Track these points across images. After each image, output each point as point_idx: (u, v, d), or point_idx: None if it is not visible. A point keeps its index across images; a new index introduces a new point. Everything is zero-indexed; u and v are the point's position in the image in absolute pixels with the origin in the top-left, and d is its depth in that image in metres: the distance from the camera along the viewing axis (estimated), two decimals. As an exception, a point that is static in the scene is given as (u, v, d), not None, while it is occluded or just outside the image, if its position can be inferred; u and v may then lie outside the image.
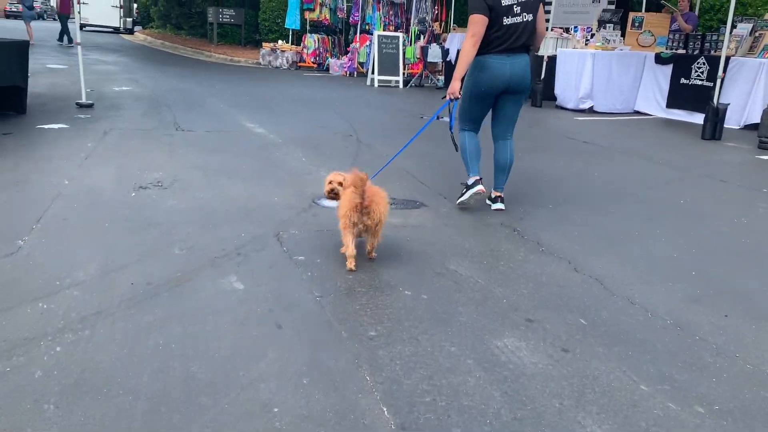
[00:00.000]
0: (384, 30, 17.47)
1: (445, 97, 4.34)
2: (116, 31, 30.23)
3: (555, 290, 3.14)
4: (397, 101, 11.24)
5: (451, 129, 4.45)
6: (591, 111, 10.60)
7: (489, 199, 4.59)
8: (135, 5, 33.15)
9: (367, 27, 17.54)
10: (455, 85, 4.16)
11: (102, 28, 30.14)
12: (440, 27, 15.56)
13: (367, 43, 16.84)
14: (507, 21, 4.07)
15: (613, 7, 13.38)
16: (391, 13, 18.09)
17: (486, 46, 4.13)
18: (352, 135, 7.31)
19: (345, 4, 17.73)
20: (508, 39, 4.11)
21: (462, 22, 17.68)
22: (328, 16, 17.98)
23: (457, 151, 4.57)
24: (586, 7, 15.38)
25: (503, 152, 4.62)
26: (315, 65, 17.97)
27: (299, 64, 17.91)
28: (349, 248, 3.18)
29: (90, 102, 8.05)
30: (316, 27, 18.71)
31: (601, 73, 10.58)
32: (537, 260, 3.55)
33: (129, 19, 31.25)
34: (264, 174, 5.18)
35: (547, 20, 16.38)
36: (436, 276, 3.24)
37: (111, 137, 6.23)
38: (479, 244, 3.79)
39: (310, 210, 4.28)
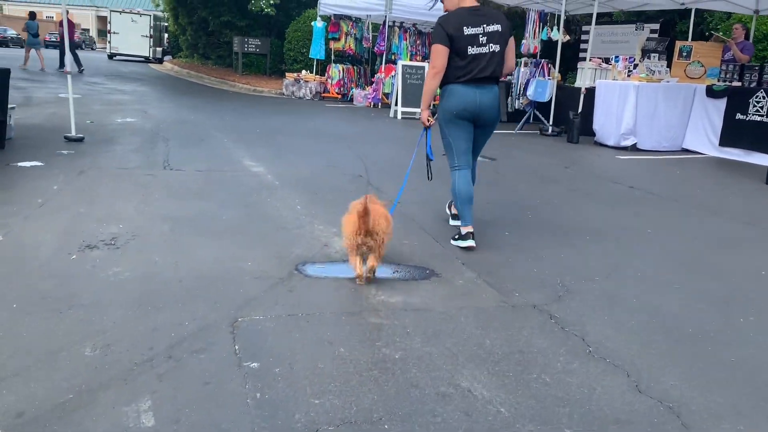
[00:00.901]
0: (410, 60, 16.76)
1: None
2: (146, 60, 30.25)
3: (613, 429, 2.15)
4: (414, 132, 10.37)
5: (430, 157, 4.45)
6: (634, 149, 9.56)
7: (458, 237, 4.24)
8: (166, 35, 33.30)
9: (393, 57, 16.84)
10: (424, 115, 4.22)
11: (132, 58, 30.22)
12: (469, 57, 14.72)
13: (393, 73, 16.10)
14: (472, 51, 3.97)
15: (656, 35, 12.40)
16: (418, 42, 17.40)
17: (452, 76, 4.04)
18: (362, 176, 6.43)
19: (371, 34, 17.08)
20: (473, 69, 4.00)
21: (493, 52, 16.87)
22: (353, 46, 17.34)
23: (430, 179, 4.61)
24: (626, 36, 14.44)
25: (467, 184, 4.39)
26: (339, 96, 17.30)
27: (323, 95, 17.26)
28: (358, 268, 3.39)
29: (80, 136, 7.35)
30: (341, 57, 18.10)
31: (646, 106, 9.56)
32: (584, 370, 2.57)
33: (159, 49, 31.32)
34: (244, 228, 4.31)
35: (584, 50, 15.48)
36: (439, 400, 2.28)
37: (84, 178, 5.46)
38: (504, 340, 2.82)
39: (288, 281, 3.37)
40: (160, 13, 31.71)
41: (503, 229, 4.74)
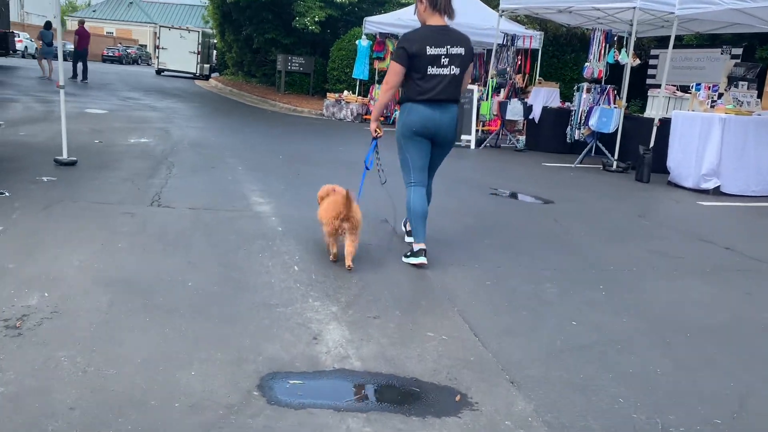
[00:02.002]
0: (459, 82, 15.60)
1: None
2: (193, 76, 30.01)
3: None
4: (465, 167, 9.15)
5: (366, 166, 4.44)
6: (717, 192, 8.11)
7: (410, 254, 4.18)
8: (214, 52, 33.13)
9: (440, 78, 15.72)
10: (372, 126, 4.28)
11: (179, 74, 30.03)
12: (523, 80, 13.47)
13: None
14: (432, 71, 3.94)
15: (739, 61, 10.88)
16: (468, 64, 16.23)
17: (412, 93, 4.02)
18: (387, 221, 5.26)
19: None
20: (432, 89, 3.97)
21: (549, 76, 15.56)
22: (398, 66, 16.27)
23: (382, 183, 4.69)
24: (701, 62, 12.93)
25: (422, 202, 4.31)
26: (382, 118, 16.22)
27: (364, 116, 16.25)
28: (334, 249, 3.96)
29: (72, 159, 6.43)
30: (386, 77, 17.06)
31: (733, 143, 8.12)
32: None
33: (206, 65, 31.08)
34: (209, 302, 3.17)
35: (652, 76, 13.98)
36: None
37: (44, 216, 4.45)
38: None
39: (237, 415, 2.19)
40: (209, 30, 31.57)
41: (570, 312, 3.47)
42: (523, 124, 12.74)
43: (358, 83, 17.33)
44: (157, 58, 30.36)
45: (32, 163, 6.33)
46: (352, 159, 8.64)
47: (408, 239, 4.56)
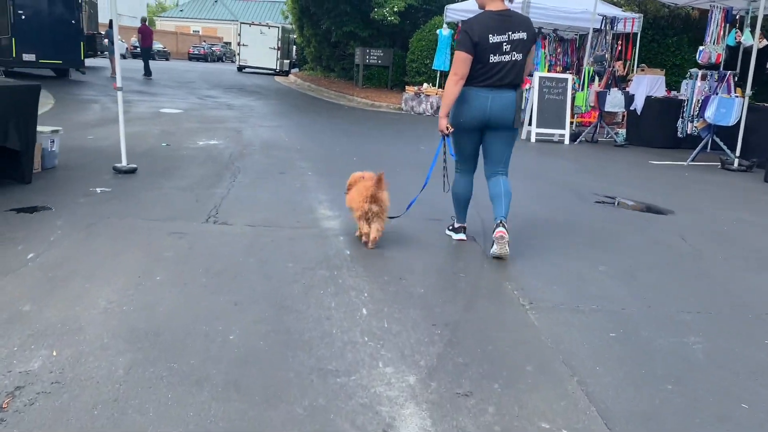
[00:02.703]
0: (549, 71, 14.42)
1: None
2: (274, 73, 30.03)
3: None
4: (560, 167, 8.13)
5: (453, 157, 4.23)
6: None
7: (452, 229, 4.46)
8: (294, 47, 33.08)
9: (527, 68, 14.59)
10: (441, 123, 4.04)
11: (260, 70, 30.14)
12: (624, 67, 12.15)
13: (528, 86, 13.88)
14: (493, 59, 3.85)
15: None
16: (559, 50, 15.01)
17: (471, 80, 3.91)
18: (476, 238, 4.43)
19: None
20: (492, 76, 3.89)
21: (647, 62, 14.07)
22: (482, 56, 15.26)
23: (444, 191, 4.36)
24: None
25: (496, 185, 4.18)
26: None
27: (445, 111, 15.36)
28: (365, 228, 4.01)
29: (132, 167, 5.98)
30: (468, 68, 16.09)
31: None
32: None
33: (286, 61, 31.05)
34: (251, 369, 2.46)
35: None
36: None
37: (84, 238, 3.93)
38: None
39: None
40: (288, 26, 31.50)
41: (731, 383, 2.53)
42: (623, 116, 11.47)
43: (438, 75, 16.45)
44: (238, 55, 30.59)
45: (91, 170, 5.92)
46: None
47: (457, 237, 4.49)
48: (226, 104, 14.05)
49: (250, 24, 30.90)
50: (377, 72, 20.79)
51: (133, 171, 5.97)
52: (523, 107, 13.89)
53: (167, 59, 45.43)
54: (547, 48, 14.73)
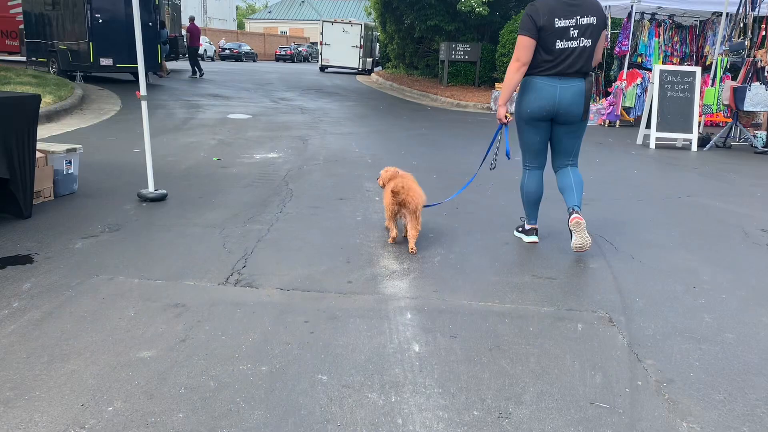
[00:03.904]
0: (664, 63, 12.43)
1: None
2: (356, 72, 29.06)
3: None
4: (696, 184, 6.40)
5: (507, 156, 4.01)
6: None
7: (522, 230, 4.20)
8: (377, 45, 31.99)
9: (639, 59, 12.65)
10: (501, 111, 3.89)
11: (342, 69, 29.26)
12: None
13: (638, 81, 11.98)
14: (560, 45, 3.62)
15: None
16: (675, 39, 12.95)
17: (535, 68, 3.70)
18: (612, 320, 2.95)
19: (609, 31, 13.02)
20: (560, 64, 3.64)
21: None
22: (583, 47, 13.43)
23: (492, 169, 4.24)
24: None
25: (565, 176, 3.93)
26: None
27: (540, 110, 13.67)
28: (394, 230, 3.97)
29: (161, 193, 4.90)
30: (567, 61, 14.30)
31: None
32: None
33: (369, 60, 30.01)
34: None
35: None
36: None
37: (56, 307, 2.80)
38: None
39: None
40: (371, 23, 30.43)
41: None
42: (765, 117, 9.43)
43: (532, 70, 14.73)
44: (320, 54, 29.82)
45: (114, 198, 4.89)
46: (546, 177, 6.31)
47: (518, 235, 4.30)
48: (300, 108, 13.03)
49: (332, 22, 30.03)
50: (463, 68, 19.26)
51: (161, 198, 4.89)
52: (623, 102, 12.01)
53: (254, 60, 45.72)
54: (661, 37, 12.74)
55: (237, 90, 16.42)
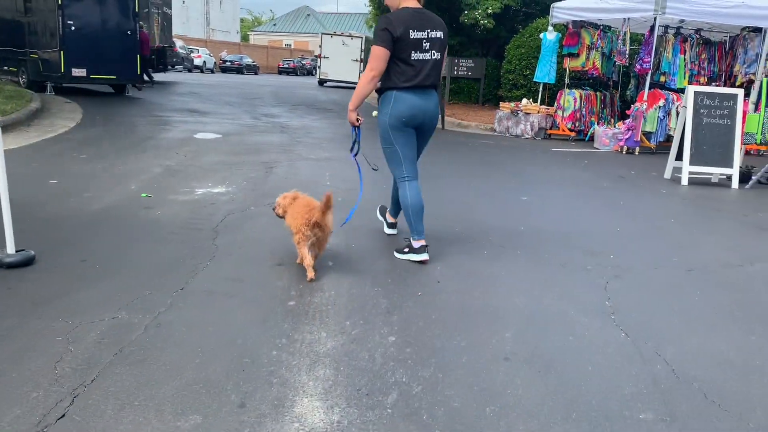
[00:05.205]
0: (690, 83, 11.03)
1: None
2: (355, 87, 27.79)
3: None
4: (750, 238, 4.96)
5: (354, 156, 4.16)
6: None
7: (409, 251, 4.01)
8: (379, 59, 30.73)
9: (662, 78, 11.25)
10: (352, 116, 3.98)
11: (341, 83, 28.01)
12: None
13: (660, 103, 10.58)
14: (416, 56, 3.74)
15: None
16: (703, 57, 11.55)
17: (396, 81, 3.77)
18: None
19: (628, 46, 11.64)
20: (418, 75, 3.76)
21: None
22: (599, 64, 12.07)
23: (352, 153, 4.21)
24: None
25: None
26: (573, 132, 12.20)
27: (549, 131, 12.31)
28: (307, 258, 3.54)
29: (22, 257, 3.52)
30: (580, 80, 12.95)
31: None
32: None
33: (369, 74, 28.72)
34: None
35: None
36: None
37: None
38: None
39: None
40: (372, 36, 29.22)
41: None
42: (817, 147, 8.00)
43: (541, 88, 13.38)
44: (319, 68, 28.56)
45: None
46: (547, 222, 4.87)
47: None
48: (281, 126, 11.68)
49: (331, 35, 28.83)
50: (466, 86, 17.94)
51: (24, 264, 3.49)
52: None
53: (256, 73, 44.63)
54: (687, 54, 11.34)
55: (219, 105, 15.11)
